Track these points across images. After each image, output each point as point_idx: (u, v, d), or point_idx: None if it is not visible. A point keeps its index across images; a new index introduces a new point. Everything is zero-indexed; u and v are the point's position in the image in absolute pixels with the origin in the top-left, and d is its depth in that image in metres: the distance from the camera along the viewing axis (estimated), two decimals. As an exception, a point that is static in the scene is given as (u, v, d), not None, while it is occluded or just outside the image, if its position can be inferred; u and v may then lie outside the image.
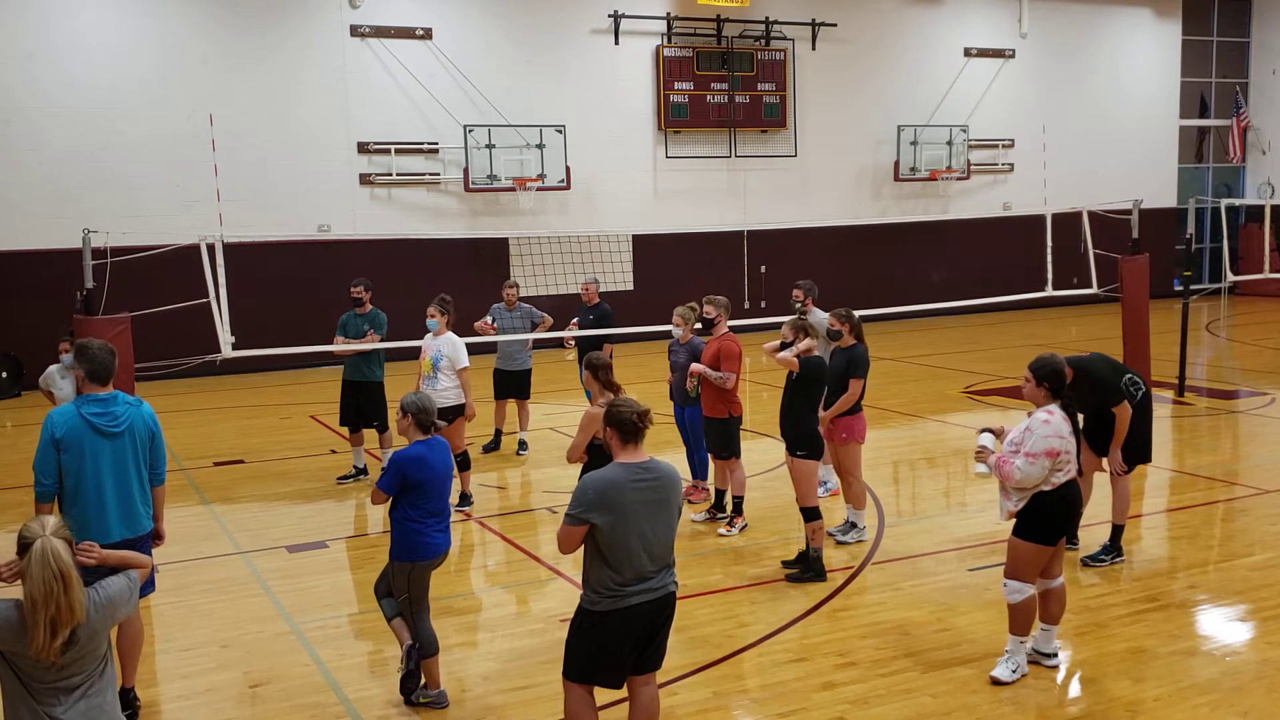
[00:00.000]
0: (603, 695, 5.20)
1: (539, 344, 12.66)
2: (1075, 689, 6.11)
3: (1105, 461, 8.04)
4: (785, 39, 22.86)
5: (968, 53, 24.93)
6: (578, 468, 7.15)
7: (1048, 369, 6.23)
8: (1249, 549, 8.49)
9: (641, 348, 17.53)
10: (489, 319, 11.95)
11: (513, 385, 12.12)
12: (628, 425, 4.95)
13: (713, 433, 9.20)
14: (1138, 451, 8.10)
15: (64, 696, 3.79)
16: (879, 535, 8.92)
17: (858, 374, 8.50)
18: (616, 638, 4.88)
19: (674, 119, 21.98)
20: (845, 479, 8.78)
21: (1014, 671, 6.15)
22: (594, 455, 6.83)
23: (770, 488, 10.29)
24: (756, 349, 9.37)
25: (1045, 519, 6.08)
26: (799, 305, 10.04)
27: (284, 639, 7.12)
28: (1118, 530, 8.15)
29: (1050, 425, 6.04)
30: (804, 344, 8.03)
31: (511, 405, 12.37)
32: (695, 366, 9.13)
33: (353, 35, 19.58)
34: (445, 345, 9.78)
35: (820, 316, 9.49)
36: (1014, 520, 6.19)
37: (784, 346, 8.13)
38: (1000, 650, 6.30)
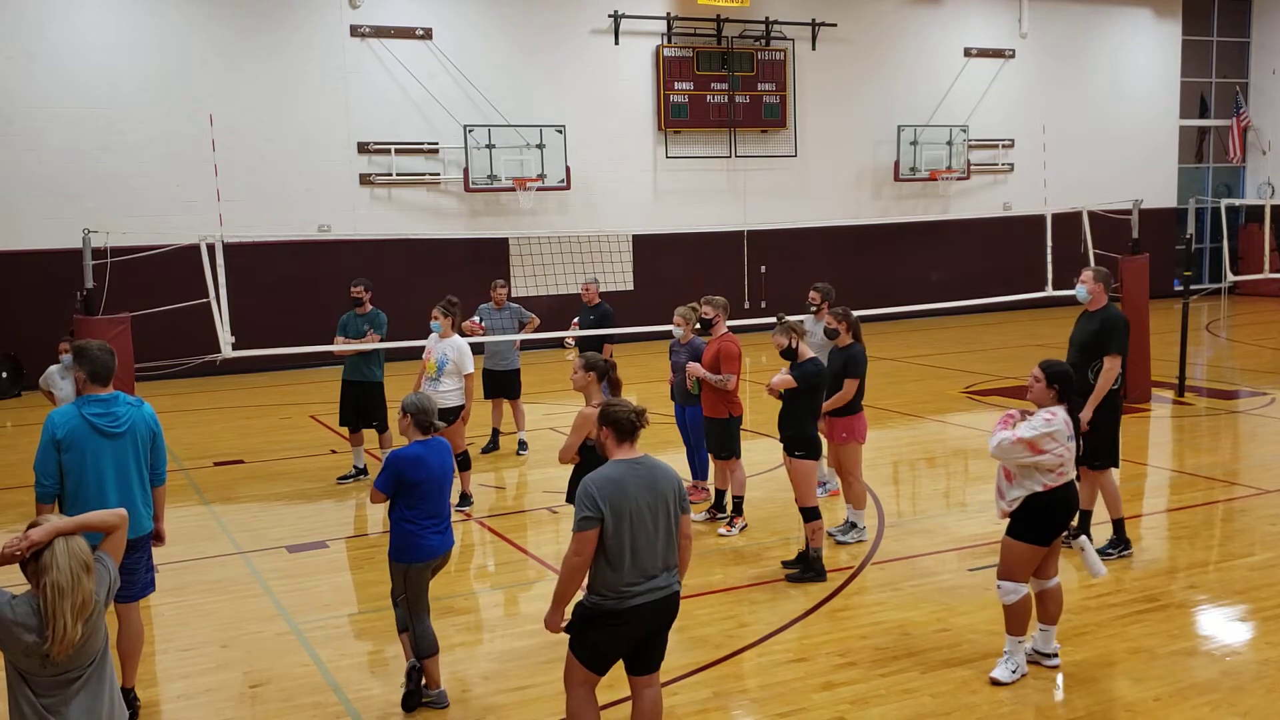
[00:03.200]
0: (604, 695, 5.20)
1: (528, 344, 12.63)
2: (1075, 689, 6.10)
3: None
4: (785, 39, 22.85)
5: (968, 53, 24.91)
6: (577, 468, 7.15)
7: (1058, 370, 6.23)
8: (1249, 549, 8.49)
9: (642, 348, 17.52)
10: (477, 318, 11.96)
11: (501, 385, 12.14)
12: (625, 424, 4.96)
13: (713, 433, 9.20)
14: (1110, 453, 8.13)
15: (65, 690, 3.82)
16: (879, 535, 8.92)
17: (854, 374, 8.51)
18: (615, 635, 4.88)
19: (674, 119, 21.97)
20: (845, 479, 8.79)
21: (1013, 672, 6.15)
22: (586, 456, 6.83)
23: (770, 488, 10.29)
24: (756, 349, 9.37)
25: (1039, 520, 6.08)
26: (814, 308, 9.94)
27: (284, 639, 7.12)
28: (1119, 524, 8.18)
29: (1051, 425, 6.04)
30: (779, 378, 8.05)
31: (505, 405, 12.39)
32: (692, 365, 9.14)
33: (353, 35, 19.57)
34: (451, 349, 9.76)
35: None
36: (1008, 520, 6.20)
37: (784, 352, 8.13)
38: (1000, 650, 6.31)
